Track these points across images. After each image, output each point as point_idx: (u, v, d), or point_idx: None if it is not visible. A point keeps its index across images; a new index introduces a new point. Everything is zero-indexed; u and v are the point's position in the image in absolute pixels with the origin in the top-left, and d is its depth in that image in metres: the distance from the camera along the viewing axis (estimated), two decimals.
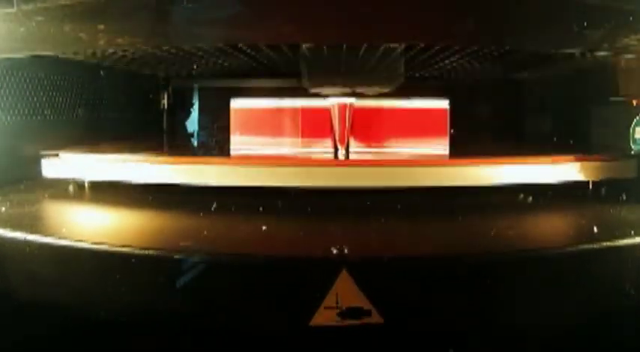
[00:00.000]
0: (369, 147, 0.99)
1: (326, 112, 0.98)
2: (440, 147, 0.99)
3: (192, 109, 1.55)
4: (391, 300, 0.57)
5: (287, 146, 0.98)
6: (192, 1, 0.71)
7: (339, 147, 0.98)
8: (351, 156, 0.97)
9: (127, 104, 1.42)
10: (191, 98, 1.55)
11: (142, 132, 1.41)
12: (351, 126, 0.97)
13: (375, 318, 0.57)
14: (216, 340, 0.62)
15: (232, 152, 1.00)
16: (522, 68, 1.35)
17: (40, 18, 0.75)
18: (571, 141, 1.17)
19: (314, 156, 0.97)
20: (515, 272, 0.60)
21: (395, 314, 0.57)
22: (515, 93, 1.49)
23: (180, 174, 0.84)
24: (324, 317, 0.56)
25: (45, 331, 0.67)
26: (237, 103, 1.01)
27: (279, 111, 0.99)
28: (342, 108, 0.96)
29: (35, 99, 1.06)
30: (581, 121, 1.16)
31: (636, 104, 0.95)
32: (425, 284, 0.58)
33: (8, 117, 0.98)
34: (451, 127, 1.00)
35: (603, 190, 0.88)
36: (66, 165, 0.91)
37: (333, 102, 0.97)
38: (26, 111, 1.03)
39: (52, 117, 1.10)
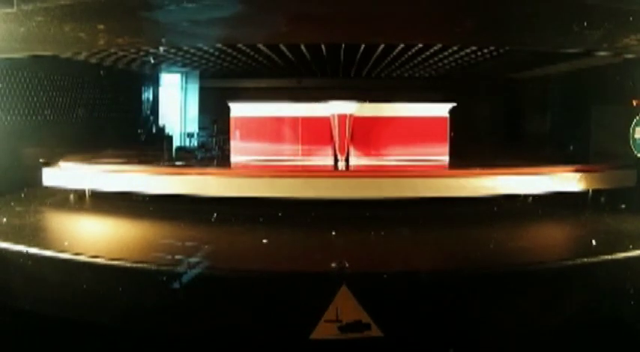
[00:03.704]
0: (369, 156, 0.99)
1: (326, 122, 0.97)
2: (440, 156, 0.99)
3: (192, 109, 1.55)
4: (391, 315, 0.58)
5: (287, 155, 0.98)
6: (192, 1, 0.71)
7: (339, 156, 0.98)
8: (351, 166, 0.97)
9: (127, 104, 1.42)
10: (191, 98, 1.55)
11: (141, 132, 1.41)
12: (351, 136, 0.97)
13: (375, 332, 0.57)
14: None
15: (232, 160, 1.00)
16: (522, 68, 1.35)
17: (40, 18, 0.75)
18: (571, 145, 1.16)
19: (314, 166, 0.97)
20: (515, 286, 0.60)
21: (394, 329, 0.58)
22: (515, 93, 1.49)
23: (180, 184, 0.84)
24: (325, 330, 0.57)
25: (44, 341, 0.67)
26: (236, 110, 1.00)
27: (279, 120, 0.99)
28: (342, 118, 0.96)
29: (35, 99, 1.06)
30: (581, 122, 1.15)
31: (636, 104, 0.95)
32: (424, 298, 0.58)
33: (8, 117, 0.98)
34: (451, 130, 1.00)
35: (603, 199, 0.89)
36: (66, 174, 0.91)
37: (333, 111, 0.96)
38: (26, 112, 1.03)
39: (52, 117, 1.10)
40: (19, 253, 0.64)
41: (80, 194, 0.92)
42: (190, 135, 1.51)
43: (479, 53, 1.06)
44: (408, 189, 0.82)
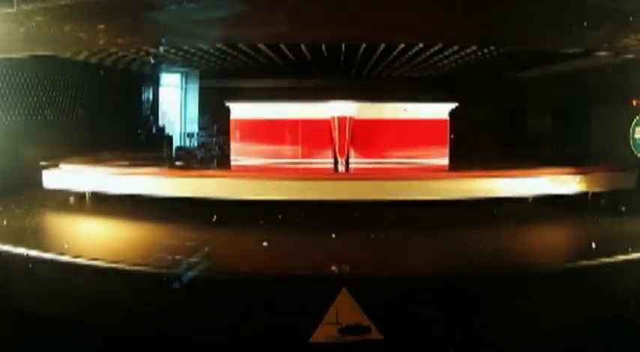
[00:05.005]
0: (369, 158, 0.99)
1: (326, 124, 0.97)
2: (440, 158, 0.99)
3: (192, 109, 1.55)
4: (391, 317, 0.58)
5: (287, 157, 0.98)
6: (192, 1, 0.71)
7: (339, 158, 0.97)
8: (351, 168, 0.97)
9: (127, 104, 1.42)
10: (191, 98, 1.55)
11: (141, 133, 1.41)
12: (351, 138, 0.97)
13: (375, 335, 0.57)
14: None
15: (232, 162, 1.00)
16: (522, 68, 1.35)
17: (40, 18, 0.75)
18: (571, 145, 1.16)
19: (314, 168, 0.97)
20: (515, 289, 0.60)
21: (394, 331, 0.58)
22: (515, 93, 1.49)
23: (180, 187, 0.84)
24: (325, 333, 0.57)
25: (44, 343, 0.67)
26: (236, 112, 1.00)
27: (280, 122, 0.99)
28: (342, 120, 0.96)
29: (35, 99, 1.05)
30: (581, 123, 1.16)
31: (636, 104, 0.95)
32: (424, 301, 0.58)
33: (8, 117, 0.98)
34: (450, 130, 1.00)
35: (603, 201, 0.88)
36: (66, 176, 0.91)
37: (333, 113, 0.96)
38: (26, 112, 1.03)
39: (52, 117, 1.10)
40: (18, 256, 0.64)
41: (80, 196, 0.92)
42: (190, 136, 1.51)
43: (479, 53, 1.06)
44: (408, 191, 0.82)
